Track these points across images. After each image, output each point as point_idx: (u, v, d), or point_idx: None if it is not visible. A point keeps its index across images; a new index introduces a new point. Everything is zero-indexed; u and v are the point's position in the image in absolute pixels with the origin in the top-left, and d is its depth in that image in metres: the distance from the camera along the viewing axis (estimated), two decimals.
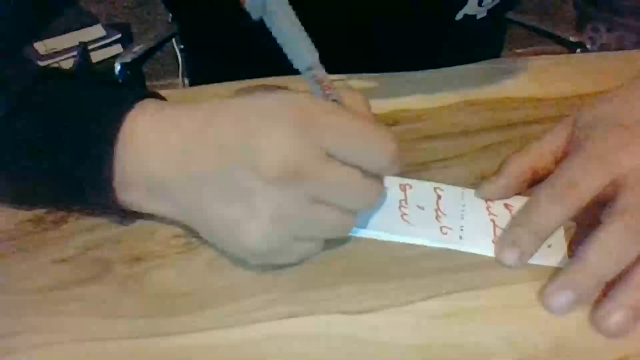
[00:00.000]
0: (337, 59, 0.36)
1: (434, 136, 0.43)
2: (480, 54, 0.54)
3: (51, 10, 0.48)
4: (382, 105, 0.46)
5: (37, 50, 1.49)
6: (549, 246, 0.33)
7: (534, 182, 0.37)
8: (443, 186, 0.38)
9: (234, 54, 0.57)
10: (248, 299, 0.31)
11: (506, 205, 0.37)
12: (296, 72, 0.32)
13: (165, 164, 0.31)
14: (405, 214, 0.36)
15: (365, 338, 0.29)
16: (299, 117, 0.28)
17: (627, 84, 0.38)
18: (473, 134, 0.43)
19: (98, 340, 0.28)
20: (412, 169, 0.39)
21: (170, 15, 0.95)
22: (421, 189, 0.38)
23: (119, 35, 1.61)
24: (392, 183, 0.37)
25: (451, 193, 0.38)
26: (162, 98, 0.35)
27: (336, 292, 0.31)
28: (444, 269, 0.32)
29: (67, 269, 0.32)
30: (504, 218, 0.35)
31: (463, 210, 0.36)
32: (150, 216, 0.34)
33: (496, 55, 0.70)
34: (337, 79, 0.33)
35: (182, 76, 1.64)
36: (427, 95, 0.48)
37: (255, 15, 0.30)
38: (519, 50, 1.76)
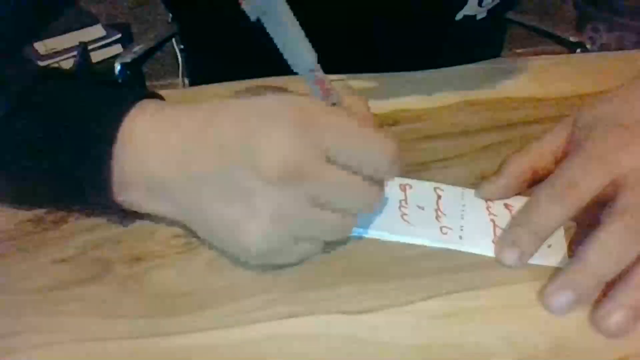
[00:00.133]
0: (337, 59, 0.36)
1: (434, 136, 0.43)
2: (480, 54, 0.54)
3: (51, 10, 0.48)
4: (382, 105, 0.46)
5: (37, 50, 1.49)
6: (549, 246, 0.33)
7: (534, 182, 0.37)
8: (443, 186, 0.38)
9: (234, 54, 0.57)
10: (248, 299, 0.31)
11: (506, 205, 0.37)
12: (296, 72, 0.32)
13: (165, 164, 0.31)
14: (405, 214, 0.36)
15: (365, 338, 0.29)
16: (299, 117, 0.29)
17: (627, 84, 0.38)
18: (473, 134, 0.43)
19: (98, 340, 0.28)
20: (412, 169, 0.39)
21: (170, 15, 0.95)
22: (421, 189, 0.38)
23: (119, 35, 1.61)
24: (392, 183, 0.37)
25: (451, 193, 0.38)
26: (162, 98, 0.35)
27: (336, 292, 0.31)
28: (444, 269, 0.32)
29: (67, 269, 0.32)
30: (504, 218, 0.35)
31: (463, 210, 0.36)
32: (150, 216, 0.34)
33: (496, 55, 0.70)
34: (337, 79, 0.32)
35: (182, 76, 1.64)
36: (427, 95, 0.48)
37: (252, 16, 0.30)
38: (519, 50, 1.76)
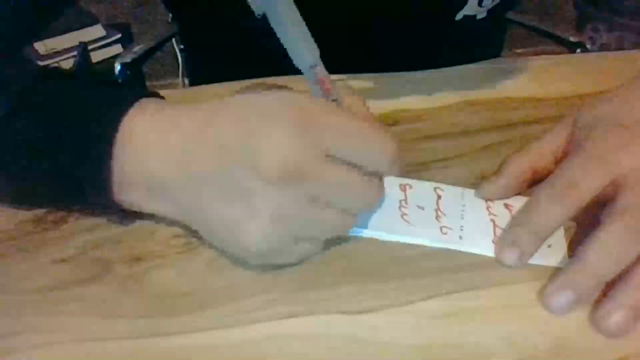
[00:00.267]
0: (337, 59, 0.36)
1: (434, 136, 0.43)
2: (480, 54, 0.54)
3: (51, 10, 0.48)
4: (382, 105, 0.46)
5: (37, 50, 1.49)
6: (549, 246, 0.33)
7: (534, 182, 0.37)
8: (443, 186, 0.38)
9: (234, 54, 0.57)
10: (248, 299, 0.31)
11: (506, 205, 0.37)
12: (296, 72, 0.32)
13: (165, 164, 0.31)
14: (405, 214, 0.36)
15: (365, 338, 0.29)
16: (299, 117, 0.28)
17: (627, 84, 0.38)
18: (473, 134, 0.43)
19: (98, 340, 0.28)
20: (412, 169, 0.39)
21: (170, 15, 0.95)
22: (421, 189, 0.38)
23: (119, 35, 1.61)
24: (392, 183, 0.37)
25: (451, 193, 0.38)
26: (162, 98, 0.35)
27: (336, 292, 0.31)
28: (444, 269, 0.32)
29: (67, 269, 0.32)
30: (504, 218, 0.35)
31: (463, 210, 0.36)
32: (150, 216, 0.34)
33: (496, 55, 0.70)
34: (337, 79, 0.32)
35: (182, 76, 1.64)
36: (427, 95, 0.48)
37: (258, 11, 0.29)
38: (519, 50, 1.76)
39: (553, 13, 1.94)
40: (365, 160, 0.30)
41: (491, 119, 0.45)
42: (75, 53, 1.50)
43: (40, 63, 1.45)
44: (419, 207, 0.36)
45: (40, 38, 1.40)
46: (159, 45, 0.92)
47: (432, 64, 0.52)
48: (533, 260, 0.33)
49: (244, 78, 0.49)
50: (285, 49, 0.31)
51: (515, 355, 0.28)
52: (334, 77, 0.32)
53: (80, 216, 0.35)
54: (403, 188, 0.38)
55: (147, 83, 1.63)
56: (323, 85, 0.31)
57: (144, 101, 0.32)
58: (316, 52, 0.31)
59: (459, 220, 0.35)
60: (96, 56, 1.55)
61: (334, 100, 0.32)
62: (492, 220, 0.35)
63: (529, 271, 0.32)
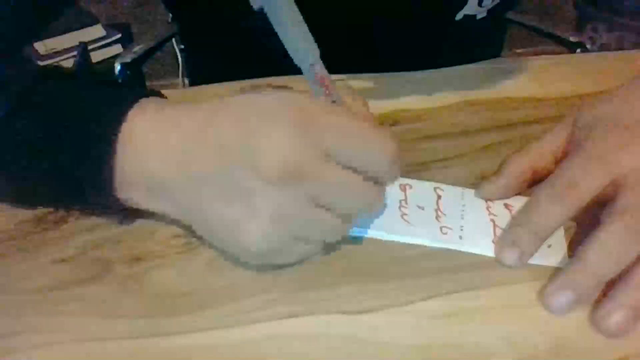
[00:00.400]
0: (337, 59, 0.36)
1: (434, 136, 0.43)
2: (480, 54, 0.54)
3: (51, 10, 0.48)
4: (382, 105, 0.46)
5: (37, 50, 1.49)
6: (549, 246, 0.33)
7: (534, 182, 0.37)
8: (443, 186, 0.38)
9: (234, 54, 0.57)
10: (248, 299, 0.31)
11: (506, 205, 0.37)
12: (296, 72, 0.32)
13: (165, 164, 0.31)
14: (405, 214, 0.36)
15: (365, 338, 0.29)
16: (299, 117, 0.28)
17: (627, 84, 0.38)
18: (473, 134, 0.43)
19: (98, 340, 0.28)
20: (412, 169, 0.39)
21: (170, 15, 0.95)
22: (421, 189, 0.38)
23: (119, 35, 1.61)
24: None
25: (451, 193, 0.38)
26: (163, 96, 0.35)
27: (336, 292, 0.31)
28: (444, 269, 0.32)
29: (67, 269, 0.32)
30: (504, 218, 0.35)
31: (463, 210, 0.36)
32: (150, 216, 0.34)
33: (496, 55, 0.70)
34: (337, 79, 0.32)
35: (182, 76, 1.64)
36: (427, 95, 0.48)
37: (255, 6, 0.29)
38: (519, 50, 1.76)
39: (553, 13, 1.94)
40: (365, 160, 0.29)
41: (491, 119, 0.45)
42: (75, 53, 1.50)
43: (40, 63, 1.44)
44: (419, 207, 0.36)
45: (40, 38, 1.40)
46: (159, 45, 0.92)
47: (432, 64, 0.52)
48: (533, 260, 0.33)
49: (244, 78, 0.49)
50: (285, 48, 0.31)
51: (515, 355, 0.28)
52: (334, 77, 0.32)
53: (80, 216, 0.35)
54: (403, 188, 0.38)
55: (147, 83, 1.63)
56: (323, 84, 0.31)
57: (144, 101, 0.32)
58: (316, 50, 0.31)
59: (459, 220, 0.35)
60: (96, 56, 1.55)
61: (333, 101, 0.32)
62: (492, 220, 0.35)
63: (529, 271, 0.32)
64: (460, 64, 0.52)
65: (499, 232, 0.35)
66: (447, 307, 0.30)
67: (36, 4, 0.44)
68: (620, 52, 0.59)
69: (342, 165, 0.29)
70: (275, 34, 0.31)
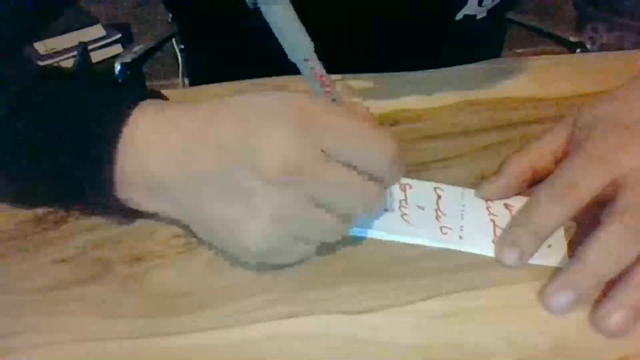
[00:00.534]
0: (337, 59, 0.36)
1: (434, 136, 0.43)
2: (480, 54, 0.54)
3: (51, 10, 0.48)
4: (382, 105, 0.46)
5: (37, 50, 1.49)
6: (549, 246, 0.33)
7: (534, 182, 0.37)
8: (443, 186, 0.38)
9: (234, 54, 0.57)
10: (248, 299, 0.31)
11: (506, 205, 0.37)
12: (296, 72, 0.32)
13: (165, 164, 0.31)
14: (405, 214, 0.36)
15: (365, 338, 0.29)
16: (299, 117, 0.28)
17: (627, 84, 0.38)
18: (473, 134, 0.43)
19: (98, 340, 0.28)
20: (412, 169, 0.39)
21: (170, 15, 0.95)
22: (421, 189, 0.38)
23: (119, 35, 1.61)
24: None
25: (451, 193, 0.38)
26: (163, 96, 0.35)
27: (336, 292, 0.31)
28: (444, 269, 0.32)
29: (67, 269, 0.32)
30: (504, 218, 0.35)
31: (463, 210, 0.36)
32: (150, 216, 0.34)
33: (496, 55, 0.70)
34: (337, 79, 0.32)
35: (182, 76, 1.64)
36: (427, 95, 0.48)
37: (249, 3, 0.29)
38: (519, 50, 1.76)
39: (553, 13, 1.94)
40: (365, 160, 0.29)
41: (491, 119, 0.45)
42: (75, 53, 1.50)
43: (40, 63, 1.44)
44: (419, 207, 0.36)
45: (40, 38, 1.40)
46: (159, 45, 0.92)
47: (432, 64, 0.52)
48: (533, 260, 0.33)
49: (244, 78, 0.49)
50: (282, 46, 0.31)
51: (515, 355, 0.28)
52: (333, 77, 0.32)
53: (80, 216, 0.35)
54: (403, 188, 0.38)
55: (147, 83, 1.63)
56: (322, 82, 0.31)
57: (144, 101, 0.32)
58: (310, 46, 0.31)
59: (459, 220, 0.35)
60: (96, 56, 1.55)
61: (333, 100, 0.32)
62: (492, 220, 0.35)
63: (529, 271, 0.32)
64: (460, 64, 0.52)
65: (499, 232, 0.35)
66: (447, 307, 0.30)
67: (36, 4, 0.44)
68: (620, 52, 0.59)
69: (342, 165, 0.29)
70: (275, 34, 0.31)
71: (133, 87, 0.35)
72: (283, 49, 0.31)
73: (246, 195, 0.29)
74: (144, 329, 0.29)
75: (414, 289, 0.31)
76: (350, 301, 0.30)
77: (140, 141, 0.31)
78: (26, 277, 0.32)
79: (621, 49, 1.64)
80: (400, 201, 0.36)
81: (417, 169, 0.39)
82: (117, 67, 0.86)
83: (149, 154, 0.31)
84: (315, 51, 0.32)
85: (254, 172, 0.28)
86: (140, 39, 0.94)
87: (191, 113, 0.31)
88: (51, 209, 0.36)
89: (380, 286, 0.31)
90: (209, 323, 0.29)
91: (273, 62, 0.35)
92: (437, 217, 0.36)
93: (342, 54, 0.43)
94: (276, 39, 0.31)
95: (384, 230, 0.34)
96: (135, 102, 0.32)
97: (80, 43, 1.50)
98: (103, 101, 0.32)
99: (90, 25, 1.57)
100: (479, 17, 0.53)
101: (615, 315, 0.29)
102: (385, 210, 0.35)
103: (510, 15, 0.86)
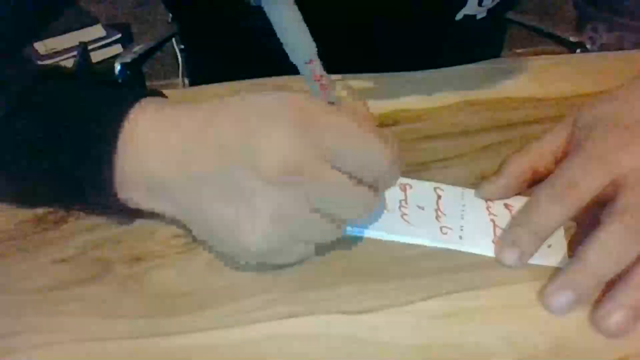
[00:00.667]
0: (337, 59, 0.36)
1: (434, 136, 0.43)
2: (480, 54, 0.54)
3: (51, 10, 0.48)
4: (382, 105, 0.46)
5: (37, 50, 1.49)
6: (549, 246, 0.33)
7: (534, 182, 0.37)
8: (443, 186, 0.38)
9: (234, 54, 0.57)
10: (248, 299, 0.31)
11: (506, 205, 0.37)
12: (296, 72, 0.32)
13: (165, 164, 0.31)
14: (405, 214, 0.36)
15: (365, 338, 0.29)
16: (299, 117, 0.28)
17: (627, 84, 0.38)
18: (473, 134, 0.43)
19: (98, 340, 0.28)
20: (412, 169, 0.39)
21: (170, 15, 0.95)
22: (421, 189, 0.38)
23: (119, 35, 1.61)
24: None
25: (451, 193, 0.38)
26: (163, 95, 0.35)
27: (336, 292, 0.31)
28: (444, 269, 0.32)
29: (67, 269, 0.32)
30: (504, 218, 0.35)
31: (463, 210, 0.36)
32: (150, 216, 0.34)
33: (496, 55, 0.70)
34: (337, 79, 0.32)
35: (182, 76, 1.64)
36: (427, 95, 0.48)
37: (254, 1, 0.29)
38: (519, 50, 1.76)
39: (553, 13, 1.94)
40: (364, 160, 0.29)
41: (491, 119, 0.45)
42: (75, 53, 1.50)
43: (40, 63, 1.44)
44: (419, 207, 0.36)
45: (40, 38, 1.40)
46: (159, 45, 0.92)
47: (432, 64, 0.52)
48: (533, 260, 0.33)
49: (244, 78, 0.49)
50: (283, 46, 0.31)
51: (515, 355, 0.28)
52: (333, 77, 0.32)
53: (80, 216, 0.35)
54: (403, 188, 0.38)
55: (147, 83, 1.63)
56: (321, 83, 0.31)
57: (144, 101, 0.32)
58: (313, 48, 0.31)
59: (459, 220, 0.35)
60: (96, 56, 1.55)
61: (331, 102, 0.32)
62: (492, 220, 0.35)
63: (529, 271, 0.32)
64: (460, 64, 0.52)
65: (499, 232, 0.35)
66: (447, 307, 0.30)
67: (36, 4, 0.44)
68: (620, 52, 0.59)
69: (341, 165, 0.29)
70: (275, 34, 0.31)
71: (133, 87, 0.35)
72: (283, 49, 0.31)
73: (246, 195, 0.29)
74: (144, 329, 0.29)
75: (414, 289, 0.31)
76: (350, 301, 0.30)
77: (140, 139, 0.31)
78: (26, 277, 0.32)
79: (621, 49, 1.64)
80: (400, 201, 0.36)
81: (417, 169, 0.39)
82: (117, 67, 0.86)
83: (148, 153, 0.31)
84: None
85: (254, 172, 0.28)
86: (140, 39, 0.94)
87: (191, 113, 0.31)
88: (51, 209, 0.36)
89: (380, 286, 0.31)
90: (209, 323, 0.29)
91: (273, 62, 0.35)
92: (437, 217, 0.36)
93: (342, 54, 0.43)
94: (276, 39, 0.31)
95: (384, 230, 0.34)
96: (134, 101, 0.32)
97: (80, 43, 1.50)
98: (103, 101, 0.32)
99: (90, 25, 1.57)
100: (479, 17, 0.53)
101: (615, 315, 0.29)
102: (385, 210, 0.35)
103: (510, 15, 0.86)
